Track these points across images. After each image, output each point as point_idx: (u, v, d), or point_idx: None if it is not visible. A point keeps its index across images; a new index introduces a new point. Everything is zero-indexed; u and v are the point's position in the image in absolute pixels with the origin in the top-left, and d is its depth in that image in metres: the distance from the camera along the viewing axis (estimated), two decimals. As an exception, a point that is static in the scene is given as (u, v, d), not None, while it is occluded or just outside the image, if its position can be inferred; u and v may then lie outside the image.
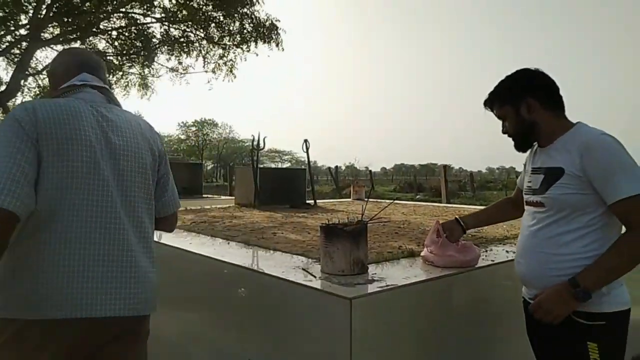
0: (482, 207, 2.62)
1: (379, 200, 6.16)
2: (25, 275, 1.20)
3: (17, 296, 1.20)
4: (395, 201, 5.84)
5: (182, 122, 52.98)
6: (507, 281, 2.04)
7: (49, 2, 5.45)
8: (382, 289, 1.54)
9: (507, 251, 2.22)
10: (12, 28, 5.64)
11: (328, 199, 6.98)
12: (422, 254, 1.97)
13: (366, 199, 5.58)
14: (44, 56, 6.87)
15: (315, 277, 1.69)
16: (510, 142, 1.65)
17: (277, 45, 6.64)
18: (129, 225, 1.35)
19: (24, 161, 1.16)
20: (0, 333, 1.20)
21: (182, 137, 52.64)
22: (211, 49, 6.87)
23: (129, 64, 6.79)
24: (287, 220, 3.37)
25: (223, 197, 7.26)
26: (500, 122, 1.65)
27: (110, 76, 7.02)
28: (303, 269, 1.81)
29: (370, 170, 28.84)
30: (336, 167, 22.47)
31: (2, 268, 1.22)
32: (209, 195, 6.98)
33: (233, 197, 5.72)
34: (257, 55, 6.84)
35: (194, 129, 52.64)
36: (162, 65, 7.00)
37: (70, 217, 1.23)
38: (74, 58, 1.49)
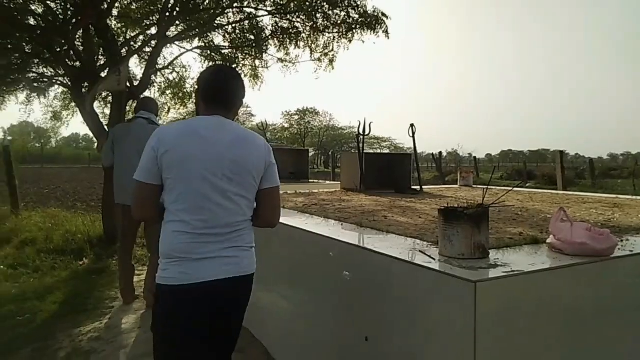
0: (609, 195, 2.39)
1: (490, 187, 5.87)
2: None
3: None
4: (508, 188, 5.53)
5: (286, 111, 54.91)
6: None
7: (172, 2, 5.96)
8: (507, 274, 1.49)
9: (647, 241, 2.01)
10: (145, 28, 6.31)
11: (430, 185, 6.81)
12: (548, 241, 1.87)
13: (485, 187, 5.36)
14: (169, 53, 7.58)
15: (434, 259, 1.69)
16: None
17: (385, 33, 6.58)
18: None
19: None
20: None
21: (286, 125, 54.56)
22: (317, 39, 7.03)
23: (242, 57, 7.22)
24: (396, 204, 3.38)
25: (328, 182, 7.43)
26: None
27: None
28: (420, 251, 1.81)
29: (475, 157, 27.44)
30: (440, 153, 21.77)
31: None
32: (314, 180, 7.19)
33: (337, 182, 5.84)
34: (363, 42, 6.85)
35: (296, 117, 54.27)
36: (272, 56, 7.31)
37: None
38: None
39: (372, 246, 1.98)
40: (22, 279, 4.67)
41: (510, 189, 3.78)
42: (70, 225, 6.54)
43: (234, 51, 7.12)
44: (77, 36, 6.02)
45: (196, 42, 7.09)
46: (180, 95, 8.24)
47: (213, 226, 1.64)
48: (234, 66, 7.41)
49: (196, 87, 1.90)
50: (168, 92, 8.29)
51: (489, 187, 5.89)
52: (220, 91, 1.78)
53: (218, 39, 7.13)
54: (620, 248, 1.87)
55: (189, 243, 1.62)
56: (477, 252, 1.65)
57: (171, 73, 7.86)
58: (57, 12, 5.90)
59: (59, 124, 8.98)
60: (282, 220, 2.76)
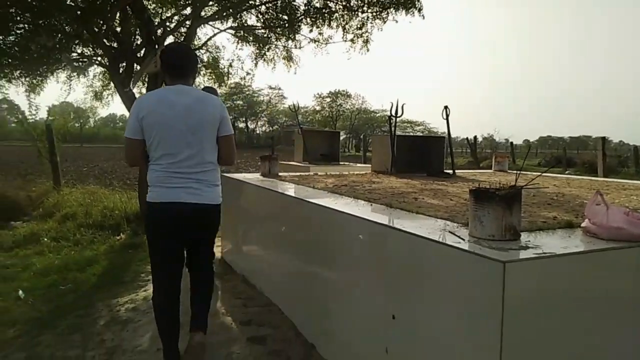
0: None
1: (526, 173, 5.74)
2: None
3: None
4: (545, 174, 5.38)
5: (318, 94, 54.76)
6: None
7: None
8: (538, 255, 1.47)
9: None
10: (180, 8, 6.39)
11: (464, 170, 6.69)
12: (582, 224, 1.82)
13: (517, 171, 5.24)
14: (203, 33, 7.65)
15: (463, 239, 1.67)
16: None
17: (418, 11, 6.43)
18: None
19: None
20: None
21: (317, 108, 54.43)
22: (350, 19, 6.94)
23: (275, 37, 7.22)
24: (427, 187, 3.35)
25: (359, 165, 7.42)
26: None
27: (258, 50, 7.55)
28: (450, 232, 1.80)
29: (512, 142, 26.68)
30: (475, 137, 21.29)
31: None
32: (345, 163, 7.19)
33: (368, 165, 5.82)
34: (396, 22, 6.72)
35: (328, 100, 54.02)
36: (304, 36, 7.28)
37: None
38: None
39: (400, 226, 1.98)
40: (64, 252, 4.91)
41: (542, 173, 3.68)
42: (108, 201, 6.79)
43: (267, 31, 7.13)
44: (115, 17, 6.15)
45: (230, 23, 7.13)
46: (215, 75, 8.32)
47: (182, 168, 2.27)
48: (267, 47, 7.45)
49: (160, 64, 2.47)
50: (203, 72, 8.40)
51: (523, 172, 5.78)
52: (179, 66, 2.36)
53: (252, 19, 7.16)
54: (661, 234, 1.80)
55: (164, 177, 2.27)
56: (507, 234, 1.63)
57: (205, 53, 7.94)
58: (96, -7, 6.03)
59: (99, 104, 9.27)
60: (312, 199, 2.81)
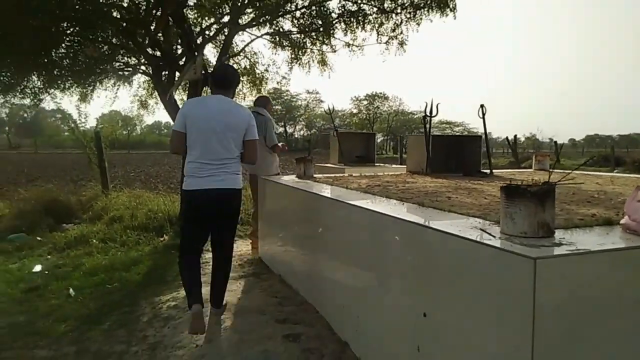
0: None
1: (567, 171, 5.55)
2: None
3: None
4: (590, 172, 5.18)
5: (355, 97, 54.67)
6: None
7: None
8: (571, 252, 1.44)
9: None
10: (219, 17, 6.58)
11: (504, 169, 6.54)
12: (621, 221, 1.76)
13: (551, 169, 5.07)
14: (240, 40, 7.83)
15: (494, 236, 1.66)
16: None
17: (451, 10, 6.35)
18: None
19: None
20: None
21: (354, 110, 54.37)
22: (384, 22, 6.94)
23: (310, 42, 7.30)
24: (461, 186, 3.31)
25: (394, 166, 7.37)
26: None
27: (294, 54, 7.66)
28: (481, 229, 1.79)
29: (556, 142, 25.68)
30: (515, 136, 20.67)
31: None
32: (381, 164, 7.17)
33: (404, 166, 5.78)
34: (431, 21, 6.66)
35: (365, 102, 53.87)
36: (339, 39, 7.32)
37: None
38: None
39: (431, 224, 1.98)
40: (111, 252, 5.14)
41: (574, 170, 3.55)
42: (152, 204, 7.05)
43: (302, 36, 7.22)
44: (159, 28, 6.40)
45: (266, 29, 7.27)
46: (252, 80, 8.50)
47: (211, 160, 2.88)
48: (302, 52, 7.55)
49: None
50: (242, 78, 8.59)
51: (568, 171, 5.58)
52: (223, 80, 3.06)
53: (287, 25, 7.28)
54: None
55: (197, 168, 2.88)
56: (540, 231, 1.60)
57: (242, 59, 8.12)
58: (140, 4, 6.31)
59: (145, 112, 9.65)
60: (343, 199, 2.84)
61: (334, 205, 2.97)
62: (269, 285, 3.80)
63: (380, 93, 53.13)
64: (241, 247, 5.25)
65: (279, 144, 5.06)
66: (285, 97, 52.19)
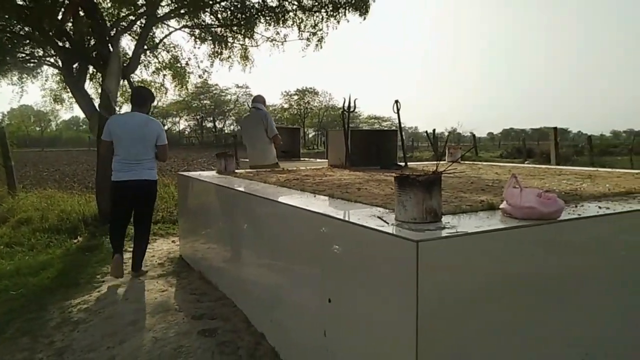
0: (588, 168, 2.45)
1: (476, 163, 5.96)
2: None
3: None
4: (494, 164, 5.59)
5: (285, 92, 54.62)
6: (593, 238, 1.95)
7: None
8: (451, 234, 1.58)
9: (599, 207, 2.09)
10: (132, 8, 6.29)
11: (426, 162, 6.89)
12: (501, 206, 1.95)
13: (460, 160, 5.44)
14: (160, 32, 7.55)
15: (387, 223, 1.77)
16: None
17: (365, 12, 6.58)
18: None
19: None
20: None
21: (285, 105, 54.33)
22: (305, 19, 7.02)
23: (232, 36, 7.21)
24: (374, 178, 3.46)
25: (319, 160, 7.50)
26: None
27: (217, 48, 7.53)
28: (378, 217, 1.90)
29: (474, 135, 27.35)
30: (434, 130, 21.71)
31: None
32: (306, 159, 7.27)
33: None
34: (348, 21, 6.84)
35: (295, 97, 54.00)
36: (260, 34, 7.30)
37: None
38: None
39: (335, 214, 2.07)
40: (17, 257, 4.80)
41: (459, 159, 3.84)
42: (66, 204, 6.66)
43: (223, 30, 7.12)
44: (67, 17, 6.02)
45: (186, 21, 7.07)
46: (173, 75, 8.25)
47: (130, 160, 3.89)
48: (223, 46, 7.45)
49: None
50: (166, 72, 8.29)
51: (478, 162, 5.95)
52: (137, 101, 4.08)
53: (208, 18, 7.12)
54: (571, 212, 1.95)
55: (121, 165, 3.90)
56: (428, 217, 1.73)
57: (160, 53, 7.85)
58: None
59: (60, 107, 9.05)
60: (257, 193, 2.87)
61: (248, 200, 3.00)
62: (188, 282, 3.75)
63: (311, 88, 53.55)
64: (162, 246, 5.12)
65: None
66: (214, 92, 51.00)
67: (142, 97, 4.09)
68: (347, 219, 1.92)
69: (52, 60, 6.94)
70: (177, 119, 56.63)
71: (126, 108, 8.49)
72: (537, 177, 3.45)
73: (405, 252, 1.52)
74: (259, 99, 5.79)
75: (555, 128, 10.20)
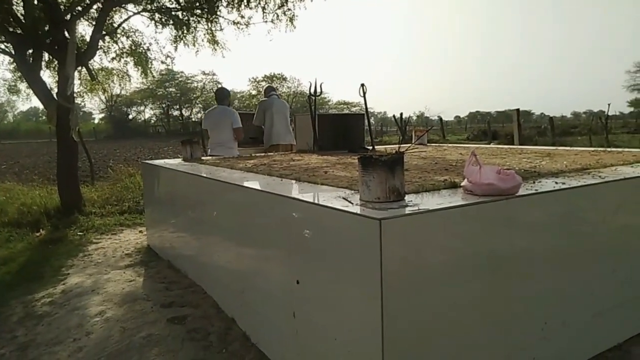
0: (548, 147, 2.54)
1: (442, 145, 6.07)
2: None
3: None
4: (459, 145, 5.70)
5: (253, 78, 53.82)
6: (551, 212, 2.03)
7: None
8: (413, 212, 1.61)
9: (556, 182, 2.17)
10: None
11: (393, 146, 6.96)
12: (462, 184, 2.00)
13: (426, 144, 5.53)
14: (118, 17, 7.29)
15: (352, 203, 1.79)
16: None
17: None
18: None
19: None
20: None
21: (253, 92, 53.58)
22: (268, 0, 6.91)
23: (194, 19, 7.03)
24: (341, 162, 3.47)
25: (288, 146, 7.47)
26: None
27: (179, 32, 7.33)
28: (343, 198, 1.92)
29: (441, 118, 27.80)
30: (401, 114, 21.93)
31: None
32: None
33: (297, 145, 5.89)
34: (311, 1, 6.79)
35: (263, 83, 53.29)
36: (224, 17, 7.15)
37: None
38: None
39: (300, 196, 2.07)
40: (-25, 253, 4.62)
41: (419, 139, 3.91)
42: (26, 198, 6.43)
43: (185, 13, 6.93)
44: (16, 1, 5.75)
45: (144, 5, 6.85)
46: (135, 61, 8.00)
47: (220, 141, 5.47)
48: (186, 30, 7.26)
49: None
50: (126, 59, 8.02)
51: (447, 144, 6.04)
52: (218, 96, 5.72)
53: (168, 1, 6.92)
54: (529, 188, 2.02)
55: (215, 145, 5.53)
56: (391, 196, 1.76)
57: (119, 39, 7.59)
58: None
59: (16, 97, 8.65)
60: (224, 179, 2.85)
61: (215, 186, 2.97)
62: (157, 271, 3.71)
63: (279, 74, 52.92)
64: (128, 237, 5.02)
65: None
66: (180, 79, 49.82)
67: (219, 96, 5.67)
68: (312, 200, 1.93)
69: (2, 46, 6.61)
70: (142, 108, 55.11)
71: (86, 97, 8.20)
72: (498, 156, 3.55)
73: (369, 230, 1.54)
74: (274, 90, 6.43)
75: (517, 110, 10.47)
